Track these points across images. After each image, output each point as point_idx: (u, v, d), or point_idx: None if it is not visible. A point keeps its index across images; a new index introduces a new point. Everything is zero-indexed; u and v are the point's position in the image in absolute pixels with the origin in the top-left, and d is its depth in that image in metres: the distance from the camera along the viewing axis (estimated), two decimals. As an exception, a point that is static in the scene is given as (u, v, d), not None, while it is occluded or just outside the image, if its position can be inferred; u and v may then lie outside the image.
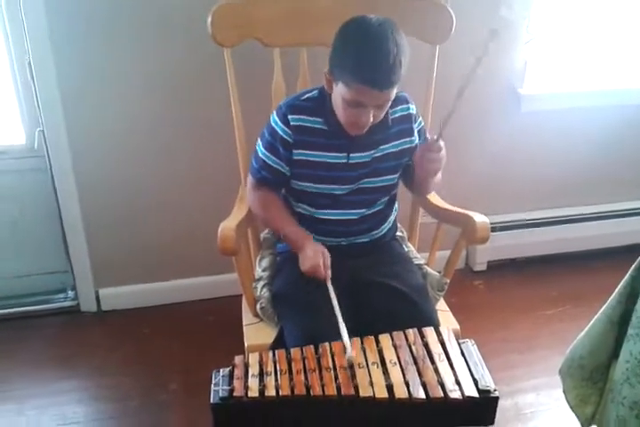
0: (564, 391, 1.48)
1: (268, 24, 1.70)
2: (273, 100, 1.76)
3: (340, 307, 1.41)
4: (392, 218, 1.70)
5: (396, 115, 1.56)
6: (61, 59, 1.90)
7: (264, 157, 1.56)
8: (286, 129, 1.51)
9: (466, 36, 1.93)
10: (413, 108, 1.59)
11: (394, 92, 1.41)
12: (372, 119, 1.43)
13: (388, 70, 1.34)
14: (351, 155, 1.53)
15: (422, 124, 1.64)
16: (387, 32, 1.35)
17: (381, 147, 1.55)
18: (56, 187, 2.10)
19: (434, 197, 1.77)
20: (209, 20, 1.64)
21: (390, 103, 1.46)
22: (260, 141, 1.58)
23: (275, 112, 1.55)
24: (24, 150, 2.10)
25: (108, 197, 2.14)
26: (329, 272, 1.48)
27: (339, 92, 1.42)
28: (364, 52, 1.35)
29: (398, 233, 1.78)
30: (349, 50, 1.37)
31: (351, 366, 1.25)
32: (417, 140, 1.61)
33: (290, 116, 1.51)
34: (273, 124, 1.54)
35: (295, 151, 1.52)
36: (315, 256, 1.49)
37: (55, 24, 1.85)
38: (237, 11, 1.67)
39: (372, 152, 1.55)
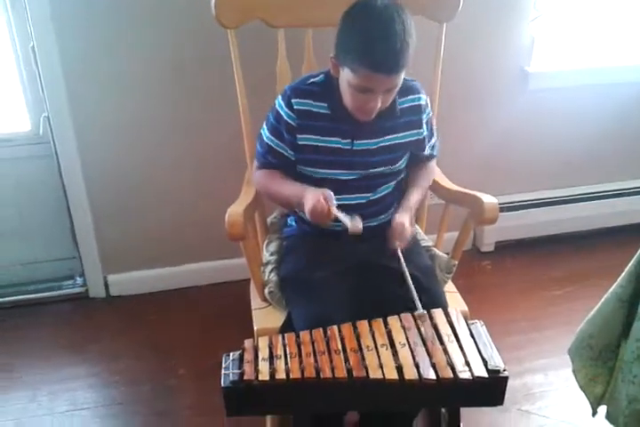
0: (573, 371, 1.48)
1: (272, 4, 1.68)
2: (278, 83, 1.74)
3: (347, 290, 1.42)
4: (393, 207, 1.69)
5: (406, 104, 1.54)
6: (65, 44, 1.89)
7: (268, 141, 1.56)
8: (290, 113, 1.50)
9: (473, 13, 1.92)
10: (424, 99, 1.57)
11: (402, 77, 1.39)
12: (379, 104, 1.41)
13: (395, 54, 1.32)
14: (355, 141, 1.52)
15: (430, 114, 1.61)
16: (392, 14, 1.33)
17: (388, 137, 1.54)
18: (62, 173, 2.10)
19: (442, 178, 1.76)
20: (213, 1, 1.62)
21: (398, 88, 1.43)
22: (264, 125, 1.58)
23: (280, 96, 1.53)
24: (29, 137, 2.10)
25: (115, 183, 2.14)
26: (333, 208, 1.41)
27: (345, 78, 1.40)
28: (370, 37, 1.32)
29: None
30: (354, 34, 1.35)
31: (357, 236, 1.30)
32: (425, 132, 1.59)
33: (294, 100, 1.49)
34: (277, 108, 1.53)
35: (299, 136, 1.51)
36: (316, 196, 1.42)
37: (58, 9, 1.84)
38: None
39: (378, 140, 1.53)
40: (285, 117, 1.51)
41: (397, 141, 1.55)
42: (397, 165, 1.59)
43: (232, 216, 1.46)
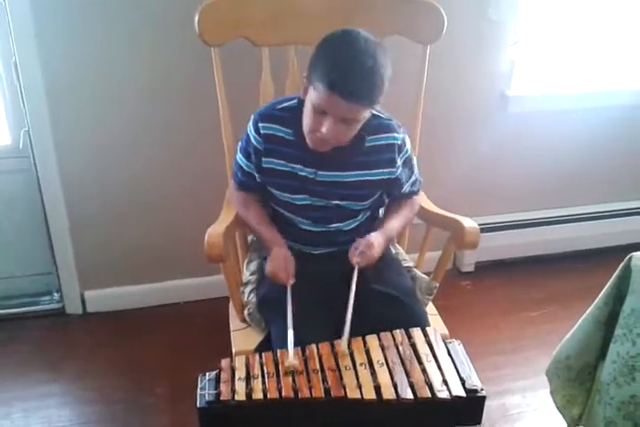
0: (551, 392, 1.49)
1: (256, 23, 1.69)
2: (261, 101, 1.75)
3: (325, 311, 1.42)
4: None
5: (378, 143, 1.52)
6: (47, 60, 1.89)
7: (239, 161, 1.59)
8: (257, 137, 1.51)
9: (454, 37, 1.95)
10: (400, 138, 1.54)
11: (363, 111, 1.36)
12: (331, 133, 1.37)
13: (360, 82, 1.30)
14: (319, 172, 1.51)
15: (409, 152, 1.58)
16: (370, 48, 1.32)
17: (358, 172, 1.52)
18: (41, 188, 2.08)
19: (423, 200, 1.76)
20: (196, 18, 1.63)
21: (359, 124, 1.41)
22: (239, 145, 1.60)
23: (252, 118, 1.54)
24: (9, 151, 2.08)
25: (94, 199, 2.13)
26: (291, 280, 1.47)
27: (309, 97, 1.39)
28: (342, 59, 1.31)
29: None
30: (328, 54, 1.35)
31: (292, 372, 1.24)
32: (399, 171, 1.57)
33: (260, 124, 1.50)
34: (247, 131, 1.55)
35: (265, 159, 1.52)
36: (279, 260, 1.49)
37: (41, 24, 1.84)
38: (226, 9, 1.66)
39: (346, 174, 1.52)
40: (253, 141, 1.52)
41: (368, 178, 1.54)
42: (366, 202, 1.58)
43: (212, 237, 1.44)
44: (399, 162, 1.56)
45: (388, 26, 1.73)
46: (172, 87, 2.01)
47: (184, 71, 1.98)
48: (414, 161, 1.63)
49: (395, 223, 1.60)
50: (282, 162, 1.52)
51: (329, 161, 1.50)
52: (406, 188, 1.64)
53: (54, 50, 1.89)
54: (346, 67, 1.30)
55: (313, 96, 1.37)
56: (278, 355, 1.28)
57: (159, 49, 1.95)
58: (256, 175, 1.57)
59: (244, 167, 1.58)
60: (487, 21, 2.16)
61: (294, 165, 1.51)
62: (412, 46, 1.76)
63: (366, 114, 1.39)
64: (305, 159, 1.50)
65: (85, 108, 1.99)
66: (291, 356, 1.26)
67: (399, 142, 1.54)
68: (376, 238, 1.51)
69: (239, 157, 1.59)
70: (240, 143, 1.59)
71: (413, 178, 1.64)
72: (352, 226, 1.60)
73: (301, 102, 1.46)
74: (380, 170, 1.54)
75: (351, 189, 1.54)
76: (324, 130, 1.37)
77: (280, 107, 1.52)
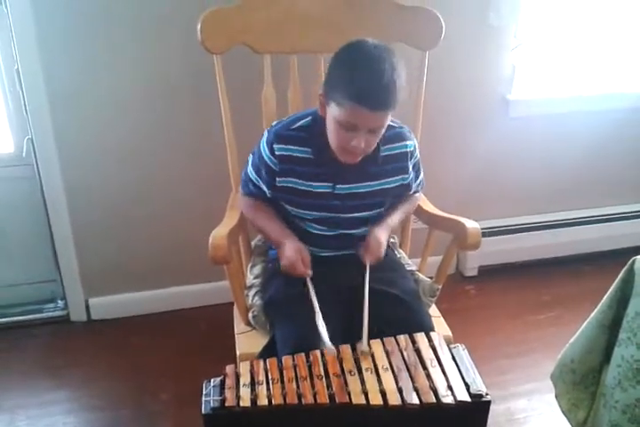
0: (556, 396, 1.48)
1: (258, 30, 1.70)
2: (264, 108, 1.76)
3: (336, 313, 1.42)
4: None
5: (393, 152, 1.54)
6: (50, 67, 1.90)
7: (250, 173, 1.58)
8: (272, 157, 1.50)
9: (454, 42, 1.96)
10: (412, 145, 1.56)
11: (387, 118, 1.39)
12: (363, 145, 1.40)
13: (382, 90, 1.32)
14: (337, 185, 1.52)
15: (417, 157, 1.61)
16: (382, 54, 1.34)
17: (374, 182, 1.54)
18: (45, 195, 2.08)
19: (425, 203, 1.77)
20: (198, 26, 1.64)
21: (383, 131, 1.43)
22: (250, 157, 1.59)
23: (265, 135, 1.54)
24: (12, 158, 2.09)
25: (98, 206, 2.13)
26: (309, 271, 1.48)
27: (331, 114, 1.39)
28: (358, 71, 1.33)
29: (390, 239, 1.78)
30: (344, 69, 1.36)
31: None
32: (411, 176, 1.60)
33: (275, 146, 1.50)
34: (261, 148, 1.53)
35: (279, 179, 1.52)
36: (294, 253, 1.49)
37: (44, 32, 1.85)
38: (228, 17, 1.67)
39: (362, 185, 1.53)
40: (266, 160, 1.51)
41: (383, 187, 1.56)
42: (379, 210, 1.60)
43: (216, 239, 1.45)
44: (411, 168, 1.59)
45: (387, 33, 1.73)
46: (174, 94, 2.02)
47: (186, 77, 1.99)
48: (420, 164, 1.65)
49: (396, 216, 1.64)
50: (298, 181, 1.52)
51: (346, 174, 1.51)
52: (413, 188, 1.67)
53: (56, 57, 1.89)
54: (366, 78, 1.32)
55: (337, 113, 1.37)
56: (283, 361, 1.28)
57: (162, 55, 1.96)
58: (264, 189, 1.56)
59: (254, 180, 1.57)
60: (488, 26, 2.16)
61: (312, 183, 1.52)
62: (412, 51, 1.77)
63: (389, 119, 1.41)
64: (323, 175, 1.51)
65: (88, 116, 2.00)
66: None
67: (411, 149, 1.57)
68: (381, 233, 1.54)
69: (250, 169, 1.58)
70: (251, 157, 1.58)
71: (419, 180, 1.68)
72: (362, 229, 1.60)
73: (317, 119, 1.48)
74: (395, 177, 1.56)
75: (367, 199, 1.56)
76: (354, 144, 1.39)
77: (295, 127, 1.51)
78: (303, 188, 1.52)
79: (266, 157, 1.51)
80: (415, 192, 1.70)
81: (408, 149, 1.56)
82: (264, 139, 1.53)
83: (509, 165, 2.47)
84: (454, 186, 2.38)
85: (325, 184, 1.52)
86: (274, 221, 1.59)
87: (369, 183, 1.54)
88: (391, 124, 1.51)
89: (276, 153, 1.49)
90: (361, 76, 1.32)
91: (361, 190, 1.54)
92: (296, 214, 1.57)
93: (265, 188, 1.56)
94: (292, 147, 1.50)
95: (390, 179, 1.56)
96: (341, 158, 1.46)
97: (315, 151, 1.49)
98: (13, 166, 2.10)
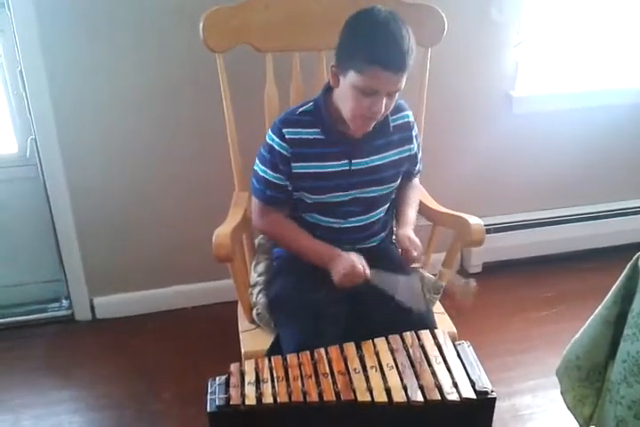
0: (561, 392, 1.48)
1: (260, 29, 1.70)
2: (266, 107, 1.76)
3: (339, 312, 1.43)
4: (391, 223, 1.71)
5: (397, 122, 1.57)
6: (53, 68, 1.90)
7: (264, 175, 1.54)
8: (282, 143, 1.50)
9: (457, 38, 1.95)
10: (410, 116, 1.60)
11: (404, 80, 1.41)
12: (383, 109, 1.42)
13: (402, 51, 1.35)
14: (353, 161, 1.53)
15: (417, 130, 1.65)
16: (396, 19, 1.38)
17: (384, 154, 1.56)
18: (49, 195, 2.09)
19: (428, 200, 1.77)
20: (201, 25, 1.64)
21: (398, 94, 1.45)
22: (257, 161, 1.57)
23: (270, 129, 1.54)
24: (16, 159, 2.10)
25: (101, 205, 2.14)
26: (367, 271, 1.45)
27: (349, 83, 1.40)
28: (377, 37, 1.36)
29: (394, 237, 1.78)
30: (361, 37, 1.38)
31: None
32: (416, 146, 1.62)
33: (285, 130, 1.50)
34: (269, 141, 1.53)
35: (294, 164, 1.52)
36: (350, 260, 1.45)
37: (47, 33, 1.85)
38: (230, 16, 1.67)
39: (374, 158, 1.55)
40: (278, 148, 1.51)
41: (392, 158, 1.57)
42: (392, 184, 1.60)
43: (219, 237, 1.46)
44: (414, 138, 1.62)
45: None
46: (176, 94, 2.02)
47: (189, 78, 1.99)
48: (419, 138, 1.68)
49: (412, 214, 1.66)
50: (313, 164, 1.52)
51: (360, 148, 1.52)
52: (419, 165, 1.69)
53: (60, 59, 1.90)
54: (385, 42, 1.35)
55: (357, 80, 1.38)
56: (288, 359, 1.28)
57: (164, 56, 1.96)
58: (283, 184, 1.54)
59: (273, 180, 1.53)
60: (490, 22, 2.16)
61: (327, 163, 1.52)
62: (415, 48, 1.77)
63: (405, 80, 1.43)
64: (337, 154, 1.52)
65: (91, 116, 2.00)
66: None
67: (412, 120, 1.61)
68: (407, 231, 1.57)
69: (262, 170, 1.55)
70: (258, 159, 1.57)
71: (419, 157, 1.69)
72: (374, 218, 1.61)
73: (318, 105, 1.51)
74: (403, 147, 1.59)
75: (381, 172, 1.57)
76: (376, 108, 1.41)
77: (299, 111, 1.53)
78: (318, 170, 1.52)
79: (277, 146, 1.51)
80: (416, 173, 1.71)
81: (409, 119, 1.60)
82: (270, 132, 1.53)
83: (513, 161, 2.46)
84: (458, 182, 2.38)
85: (341, 162, 1.52)
86: (309, 240, 1.56)
87: (383, 155, 1.56)
88: None
89: (287, 137, 1.50)
90: (380, 40, 1.35)
91: (376, 163, 1.55)
92: (315, 202, 1.56)
93: (285, 180, 1.53)
94: (300, 130, 1.51)
95: (400, 149, 1.58)
96: (355, 129, 1.48)
97: (324, 131, 1.50)
98: (17, 167, 2.10)
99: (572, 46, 2.35)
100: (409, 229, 1.58)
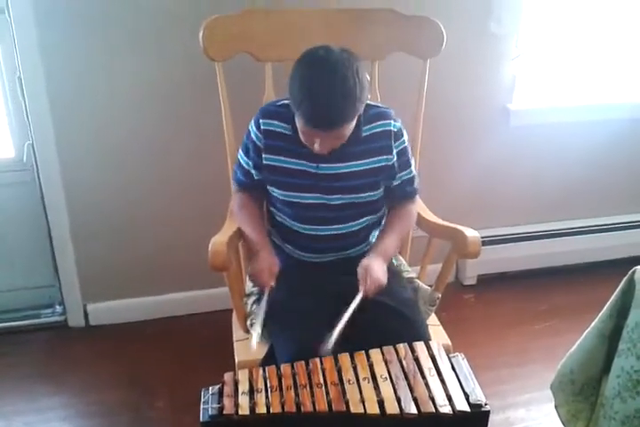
0: (555, 406, 1.48)
1: (260, 38, 1.71)
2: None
3: (330, 323, 1.41)
4: (373, 238, 1.66)
5: (373, 131, 1.53)
6: (51, 74, 1.90)
7: (240, 159, 1.61)
8: (257, 133, 1.53)
9: (455, 51, 1.96)
10: (396, 126, 1.55)
11: (348, 127, 1.39)
12: (326, 149, 1.42)
13: (332, 111, 1.32)
14: (320, 165, 1.52)
15: (405, 144, 1.58)
16: (337, 65, 1.32)
17: (355, 162, 1.53)
18: (44, 200, 2.08)
19: (425, 212, 1.77)
20: (201, 33, 1.64)
21: (349, 133, 1.42)
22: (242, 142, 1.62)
23: (254, 116, 1.57)
24: (13, 164, 2.09)
25: (97, 211, 2.13)
26: (272, 282, 1.48)
27: (296, 117, 1.41)
28: (308, 90, 1.33)
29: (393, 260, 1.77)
30: (300, 85, 1.35)
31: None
32: (395, 158, 1.56)
33: (261, 121, 1.53)
34: (249, 127, 1.57)
35: (265, 156, 1.54)
36: (264, 262, 1.49)
37: (45, 38, 1.86)
38: (230, 25, 1.68)
39: (344, 165, 1.52)
40: (253, 137, 1.54)
41: (364, 167, 1.54)
42: (364, 194, 1.56)
43: (215, 246, 1.45)
44: (395, 150, 1.56)
45: (387, 42, 1.75)
46: (173, 99, 2.02)
47: (185, 81, 2.00)
48: (411, 156, 1.62)
49: (388, 241, 1.57)
50: (282, 158, 1.53)
51: (328, 154, 1.49)
52: (404, 184, 1.61)
53: (58, 64, 1.90)
54: (315, 99, 1.32)
55: (298, 123, 1.40)
56: (282, 369, 1.28)
57: (162, 61, 1.97)
58: (253, 172, 1.57)
59: (244, 165, 1.60)
60: (489, 35, 2.17)
61: (296, 160, 1.52)
62: (413, 60, 1.77)
63: (352, 124, 1.41)
64: (305, 154, 1.51)
65: (89, 122, 2.00)
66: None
67: (395, 130, 1.55)
68: (373, 262, 1.48)
69: (240, 154, 1.61)
70: (243, 141, 1.61)
71: (410, 175, 1.62)
72: (354, 228, 1.59)
73: None
74: (378, 157, 1.54)
75: (352, 180, 1.54)
76: (319, 149, 1.42)
77: (279, 103, 1.54)
78: (286, 165, 1.53)
79: (253, 134, 1.54)
80: (409, 196, 1.65)
81: (392, 129, 1.54)
82: (253, 118, 1.56)
83: (510, 174, 2.47)
84: (455, 194, 2.38)
85: (308, 163, 1.52)
86: (256, 226, 1.59)
87: (352, 163, 1.53)
88: (375, 104, 1.53)
89: (262, 128, 1.52)
90: (314, 98, 1.32)
91: (344, 170, 1.53)
92: (288, 200, 1.55)
93: (253, 170, 1.56)
94: (274, 122, 1.52)
95: (374, 158, 1.54)
96: (314, 151, 1.46)
97: (293, 129, 1.49)
98: (13, 171, 2.10)
99: (570, 60, 2.37)
100: (374, 259, 1.49)
